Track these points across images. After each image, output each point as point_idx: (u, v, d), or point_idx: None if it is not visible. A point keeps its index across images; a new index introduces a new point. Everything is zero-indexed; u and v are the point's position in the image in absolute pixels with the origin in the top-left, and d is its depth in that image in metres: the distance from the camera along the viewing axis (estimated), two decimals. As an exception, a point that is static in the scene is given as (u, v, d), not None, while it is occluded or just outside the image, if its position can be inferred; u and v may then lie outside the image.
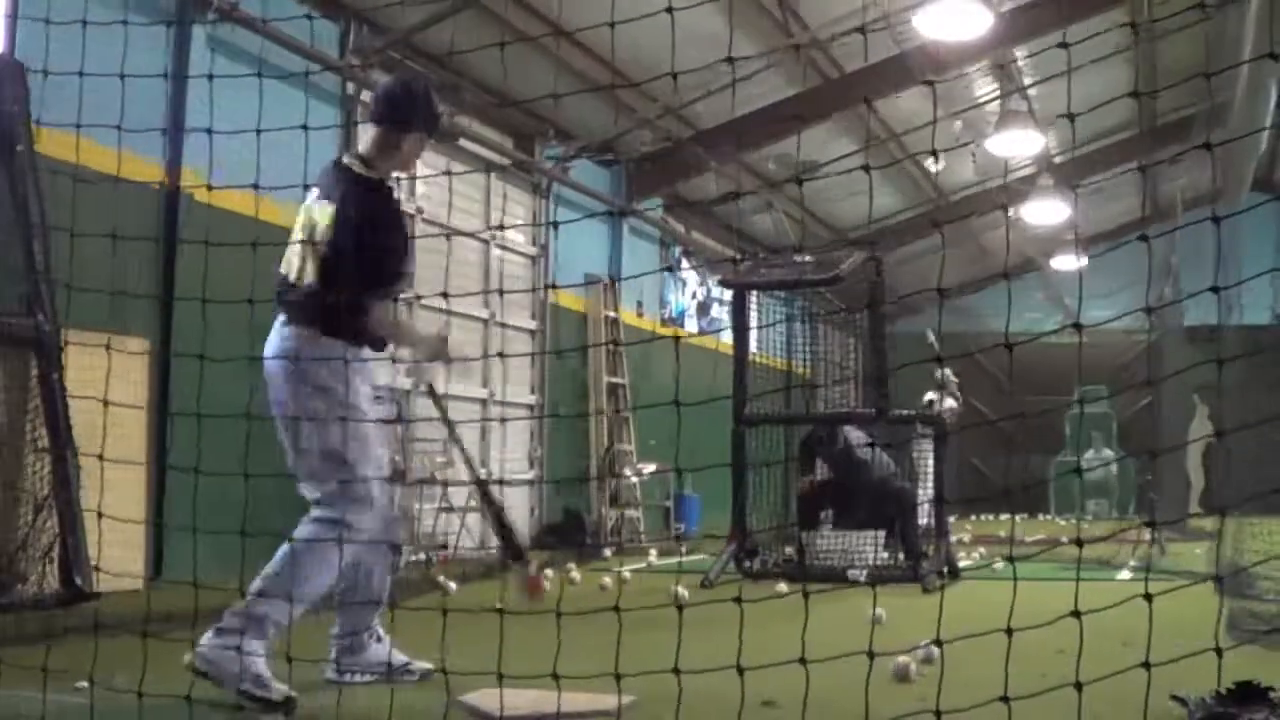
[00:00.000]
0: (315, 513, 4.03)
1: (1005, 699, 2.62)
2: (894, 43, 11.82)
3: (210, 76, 4.26)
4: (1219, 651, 2.59)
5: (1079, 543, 2.83)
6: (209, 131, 3.85)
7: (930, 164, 15.75)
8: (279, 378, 4.06)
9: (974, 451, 20.41)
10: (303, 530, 4.00)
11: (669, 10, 3.01)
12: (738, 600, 2.87)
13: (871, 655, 2.72)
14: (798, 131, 13.05)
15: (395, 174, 4.32)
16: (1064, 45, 2.91)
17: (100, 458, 3.68)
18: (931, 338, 13.04)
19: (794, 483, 9.82)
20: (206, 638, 3.83)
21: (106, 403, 3.71)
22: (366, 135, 4.29)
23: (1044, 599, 2.62)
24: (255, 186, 3.79)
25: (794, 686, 2.91)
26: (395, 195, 4.21)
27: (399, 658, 4.25)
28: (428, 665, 4.14)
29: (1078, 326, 2.97)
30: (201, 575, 3.88)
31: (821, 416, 10.01)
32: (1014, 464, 19.97)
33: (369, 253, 4.01)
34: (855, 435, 9.30)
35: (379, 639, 4.30)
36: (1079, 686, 2.60)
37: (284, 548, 3.97)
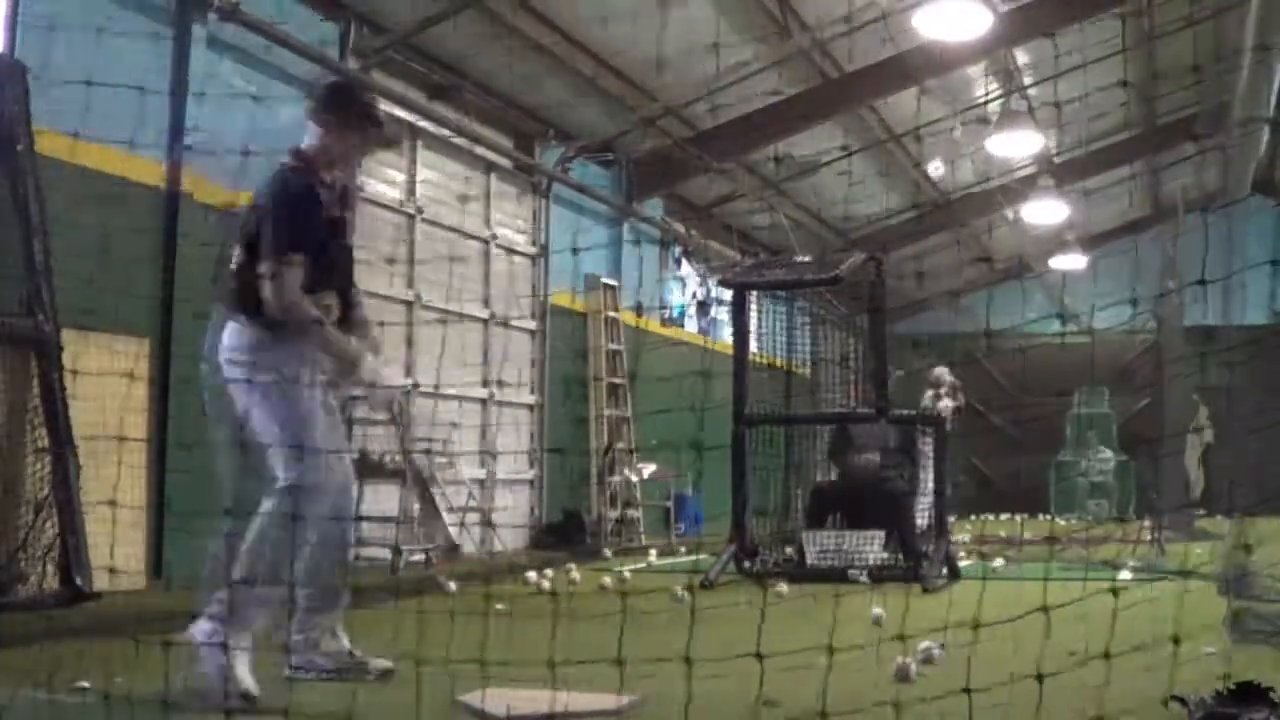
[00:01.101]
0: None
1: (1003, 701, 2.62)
2: (892, 43, 11.82)
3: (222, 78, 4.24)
4: (1219, 656, 2.58)
5: (1083, 545, 2.83)
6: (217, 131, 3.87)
7: (931, 167, 15.75)
8: (221, 375, 4.17)
9: (974, 451, 20.41)
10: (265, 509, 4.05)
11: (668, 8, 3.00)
12: (736, 605, 2.87)
13: (870, 656, 2.72)
14: (798, 130, 13.05)
15: (340, 169, 4.32)
16: (1058, 44, 2.90)
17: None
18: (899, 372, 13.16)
19: (794, 483, 9.83)
20: (200, 627, 3.87)
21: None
22: (308, 134, 4.31)
23: (1045, 599, 2.62)
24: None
25: (794, 686, 2.91)
26: (307, 183, 4.18)
27: (356, 656, 4.28)
28: (386, 664, 4.17)
29: (1086, 330, 2.95)
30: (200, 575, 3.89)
31: (824, 417, 10.00)
32: (1016, 464, 19.97)
33: (262, 228, 4.08)
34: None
35: (334, 636, 4.32)
36: (1077, 689, 2.60)
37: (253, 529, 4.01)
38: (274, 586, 3.90)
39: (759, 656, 2.74)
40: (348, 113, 4.27)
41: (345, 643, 4.30)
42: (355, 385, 4.15)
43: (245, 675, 3.80)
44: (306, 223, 4.10)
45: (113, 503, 3.59)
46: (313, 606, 4.22)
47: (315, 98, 4.43)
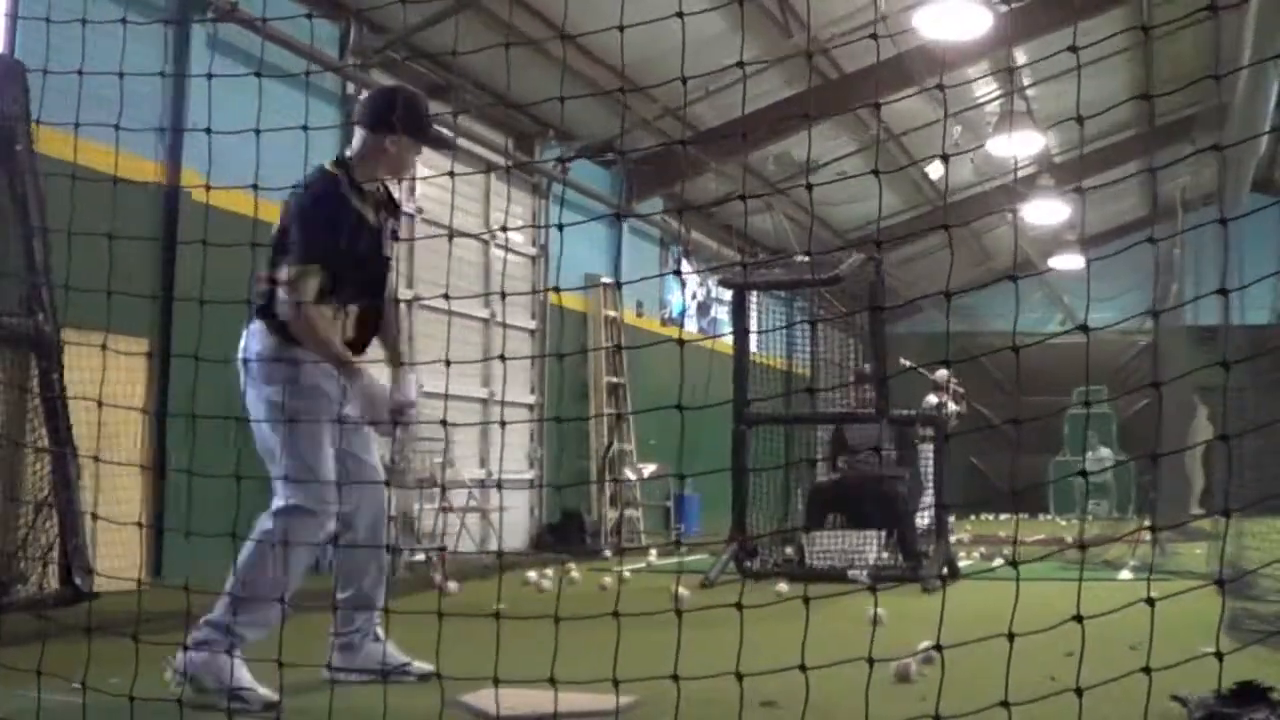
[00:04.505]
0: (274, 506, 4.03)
1: (1006, 704, 2.61)
2: (893, 44, 11.82)
3: (210, 76, 4.21)
4: (1220, 656, 2.58)
5: (1082, 545, 2.83)
6: (208, 131, 3.83)
7: (930, 169, 15.73)
8: (241, 379, 4.10)
9: (974, 451, 20.43)
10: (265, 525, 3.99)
11: (679, 14, 2.98)
12: (738, 606, 2.87)
13: (871, 661, 2.72)
14: (799, 130, 13.03)
15: (385, 178, 4.30)
16: (1074, 49, 2.90)
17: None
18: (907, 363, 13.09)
19: (794, 482, 9.83)
20: (185, 651, 3.81)
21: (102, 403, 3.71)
22: (355, 138, 4.27)
23: (1045, 599, 2.61)
24: (254, 187, 3.77)
25: (793, 687, 2.90)
26: (338, 190, 4.12)
27: (397, 658, 4.25)
28: (428, 667, 4.09)
29: (1085, 329, 2.94)
30: (200, 575, 3.88)
31: (825, 417, 9.99)
32: (1018, 465, 19.99)
33: (290, 231, 4.04)
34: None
35: (376, 639, 4.29)
36: (1079, 692, 2.59)
37: (247, 546, 3.95)
38: (270, 604, 3.85)
39: (739, 677, 2.75)
40: (394, 120, 4.14)
41: (386, 646, 4.29)
42: (356, 398, 4.08)
43: (254, 682, 3.79)
44: (331, 229, 4.03)
45: (98, 516, 3.56)
46: (357, 605, 4.23)
47: (365, 102, 4.42)
